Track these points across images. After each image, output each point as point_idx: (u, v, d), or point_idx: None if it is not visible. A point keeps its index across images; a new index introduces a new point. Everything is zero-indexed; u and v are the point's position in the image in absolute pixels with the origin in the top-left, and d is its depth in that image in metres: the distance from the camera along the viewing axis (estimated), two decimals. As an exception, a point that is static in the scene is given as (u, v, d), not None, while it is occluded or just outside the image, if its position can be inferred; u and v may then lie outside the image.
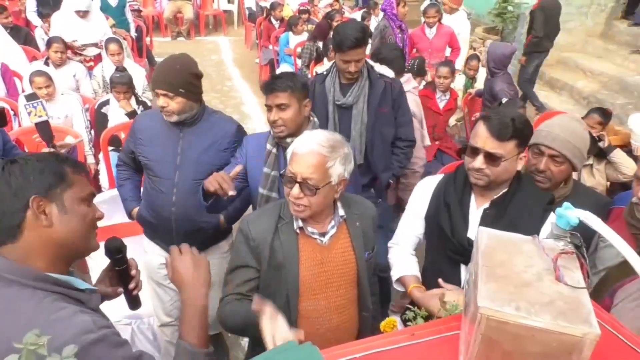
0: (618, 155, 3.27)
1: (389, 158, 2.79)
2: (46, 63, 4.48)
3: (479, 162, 1.66)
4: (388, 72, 2.77)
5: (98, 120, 4.06)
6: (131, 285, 1.38)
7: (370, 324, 1.82)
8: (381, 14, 5.28)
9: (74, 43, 4.98)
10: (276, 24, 7.45)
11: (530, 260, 1.06)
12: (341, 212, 1.71)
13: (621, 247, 1.07)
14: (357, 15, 8.18)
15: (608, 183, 3.38)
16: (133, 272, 1.38)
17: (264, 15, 7.96)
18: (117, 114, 4.00)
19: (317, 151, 1.55)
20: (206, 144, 2.26)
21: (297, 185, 1.55)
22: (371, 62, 2.77)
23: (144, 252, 2.52)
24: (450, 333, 1.10)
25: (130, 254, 1.39)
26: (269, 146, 2.11)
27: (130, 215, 2.53)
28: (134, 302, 1.42)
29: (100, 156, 3.91)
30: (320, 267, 1.67)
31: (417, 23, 6.52)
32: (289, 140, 2.06)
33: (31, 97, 4.07)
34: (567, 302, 0.95)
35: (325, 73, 2.78)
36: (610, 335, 1.09)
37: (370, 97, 2.67)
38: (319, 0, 9.42)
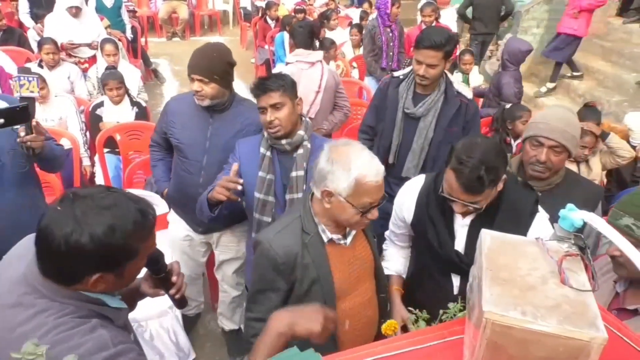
0: (615, 140, 3.30)
1: None
2: (40, 65, 4.45)
3: (458, 207, 1.66)
4: (466, 92, 2.66)
5: (93, 122, 4.02)
6: (172, 292, 1.36)
7: (386, 304, 1.90)
8: (375, 13, 5.28)
9: (67, 44, 4.94)
10: (272, 23, 7.42)
11: (535, 263, 1.05)
12: None
13: (624, 247, 1.05)
14: (353, 13, 8.18)
15: (604, 173, 3.43)
16: (174, 278, 1.35)
17: (260, 15, 7.93)
18: (112, 116, 3.97)
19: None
20: (234, 131, 2.34)
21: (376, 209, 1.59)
22: (451, 79, 2.65)
23: (170, 225, 2.70)
24: (454, 337, 1.09)
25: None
26: (262, 150, 2.08)
27: (162, 195, 2.69)
28: (179, 303, 1.41)
29: (96, 158, 3.88)
30: (349, 268, 1.70)
31: (413, 22, 6.52)
32: (284, 141, 2.04)
33: (25, 71, 4.07)
34: (573, 306, 0.93)
35: (402, 77, 2.67)
36: (616, 338, 1.07)
37: (442, 114, 2.54)
38: (314, 0, 9.39)
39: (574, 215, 1.09)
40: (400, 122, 2.61)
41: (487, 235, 1.12)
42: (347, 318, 1.71)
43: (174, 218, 2.68)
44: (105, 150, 3.80)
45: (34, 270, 1.07)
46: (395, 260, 2.06)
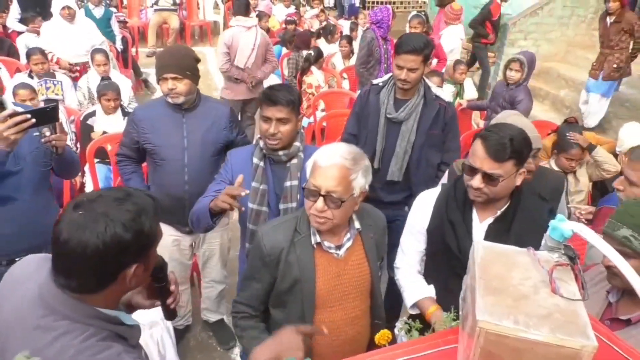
0: (600, 154, 3.38)
1: (430, 181, 2.70)
2: (30, 75, 4.42)
3: (477, 181, 1.66)
4: (444, 96, 2.75)
5: (84, 131, 3.99)
6: (169, 301, 1.35)
7: (378, 330, 1.82)
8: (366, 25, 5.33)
9: (67, 62, 5.02)
10: (262, 34, 7.46)
11: (527, 273, 1.07)
12: (357, 224, 1.72)
13: (613, 256, 1.08)
14: (342, 24, 8.26)
15: (590, 184, 3.49)
16: (172, 287, 1.35)
17: (250, 26, 7.96)
18: (103, 126, 3.95)
19: (341, 164, 1.54)
20: (208, 125, 2.46)
21: (320, 198, 1.54)
22: (429, 83, 2.75)
23: None
24: (448, 347, 1.10)
25: None
26: (255, 160, 2.08)
27: None
28: (170, 314, 1.42)
29: (86, 168, 3.86)
30: (336, 280, 1.68)
31: (400, 33, 6.59)
32: (280, 152, 2.05)
33: (50, 75, 4.17)
34: (564, 315, 0.96)
35: (381, 85, 2.75)
36: (606, 347, 1.10)
37: (422, 117, 2.64)
38: (305, 11, 9.47)
39: (563, 225, 1.12)
40: (383, 127, 2.69)
41: (479, 245, 1.15)
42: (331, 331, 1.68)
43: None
44: (96, 160, 3.78)
45: (51, 289, 1.05)
46: (419, 285, 1.93)
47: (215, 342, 3.08)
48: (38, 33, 5.48)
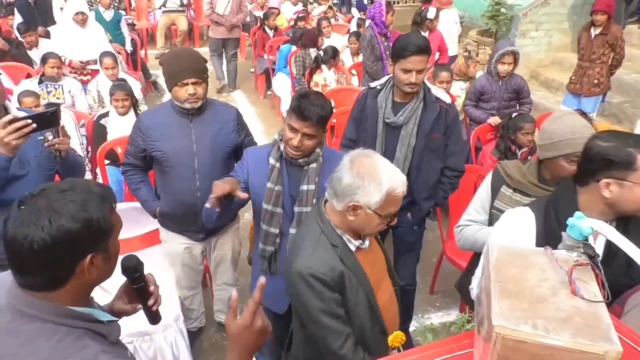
0: None
1: (433, 186, 2.64)
2: (40, 80, 4.44)
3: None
4: (445, 97, 2.61)
5: (97, 132, 4.01)
6: (150, 302, 1.32)
7: (399, 294, 1.98)
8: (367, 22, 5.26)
9: (78, 62, 5.08)
10: (270, 32, 7.43)
11: (544, 274, 1.02)
12: None
13: (636, 256, 1.03)
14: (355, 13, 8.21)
15: None
16: (151, 288, 1.32)
17: (258, 24, 7.95)
18: (116, 127, 3.96)
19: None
20: (216, 129, 2.42)
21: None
22: (428, 84, 2.61)
23: (163, 243, 2.68)
24: (464, 352, 1.06)
25: (148, 266, 1.33)
26: (272, 160, 2.04)
27: (154, 215, 2.62)
28: (153, 317, 1.38)
29: (98, 170, 3.87)
30: (372, 268, 1.75)
31: (408, 28, 6.52)
32: (301, 160, 2.01)
33: (50, 79, 4.21)
34: (585, 318, 0.91)
35: (379, 87, 2.63)
36: (630, 348, 1.05)
37: (423, 120, 2.51)
38: (312, 8, 9.42)
39: (582, 223, 1.07)
40: (382, 132, 2.59)
41: (494, 247, 1.10)
42: (385, 309, 1.78)
43: (166, 236, 2.63)
44: (106, 162, 3.79)
45: (16, 293, 1.03)
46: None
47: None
48: (34, 46, 5.62)
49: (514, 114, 3.91)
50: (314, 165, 2.03)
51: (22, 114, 1.98)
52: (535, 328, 0.88)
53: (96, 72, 5.05)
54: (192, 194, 2.40)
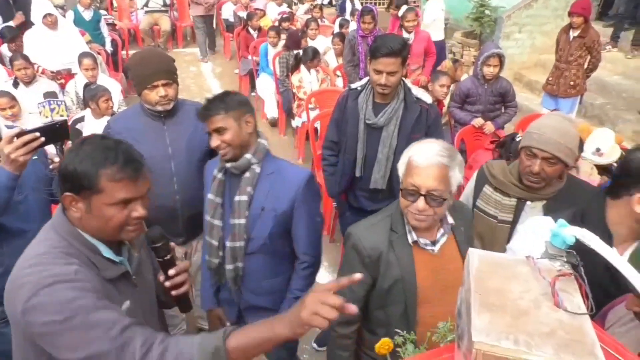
0: (583, 169, 3.30)
1: None
2: (15, 82, 4.32)
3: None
4: (426, 97, 2.60)
5: (72, 137, 3.91)
6: (171, 272, 1.36)
7: None
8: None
9: (48, 71, 4.92)
10: (254, 33, 7.36)
11: (526, 285, 0.99)
12: (450, 219, 1.71)
13: (621, 266, 1.00)
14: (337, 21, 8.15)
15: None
16: (178, 263, 1.39)
17: (242, 25, 7.87)
18: (92, 131, 3.86)
19: (439, 162, 1.55)
20: (191, 130, 2.34)
21: (421, 197, 1.55)
22: (409, 85, 2.60)
23: None
24: (444, 366, 1.02)
25: None
26: (215, 171, 2.01)
27: None
28: (182, 303, 1.42)
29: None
30: (435, 276, 1.68)
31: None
32: (229, 165, 1.95)
33: (50, 95, 4.12)
34: (568, 332, 0.88)
35: (359, 89, 2.62)
36: (614, 359, 1.02)
37: (403, 121, 2.50)
38: (297, 9, 9.35)
39: (565, 231, 1.04)
40: (363, 133, 2.57)
41: (474, 256, 1.06)
42: (424, 324, 1.64)
43: None
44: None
45: (58, 213, 1.29)
46: None
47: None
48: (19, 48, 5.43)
49: (518, 137, 3.85)
50: (247, 175, 1.95)
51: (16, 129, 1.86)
52: (517, 344, 0.84)
53: (71, 76, 4.93)
54: (171, 197, 2.34)
